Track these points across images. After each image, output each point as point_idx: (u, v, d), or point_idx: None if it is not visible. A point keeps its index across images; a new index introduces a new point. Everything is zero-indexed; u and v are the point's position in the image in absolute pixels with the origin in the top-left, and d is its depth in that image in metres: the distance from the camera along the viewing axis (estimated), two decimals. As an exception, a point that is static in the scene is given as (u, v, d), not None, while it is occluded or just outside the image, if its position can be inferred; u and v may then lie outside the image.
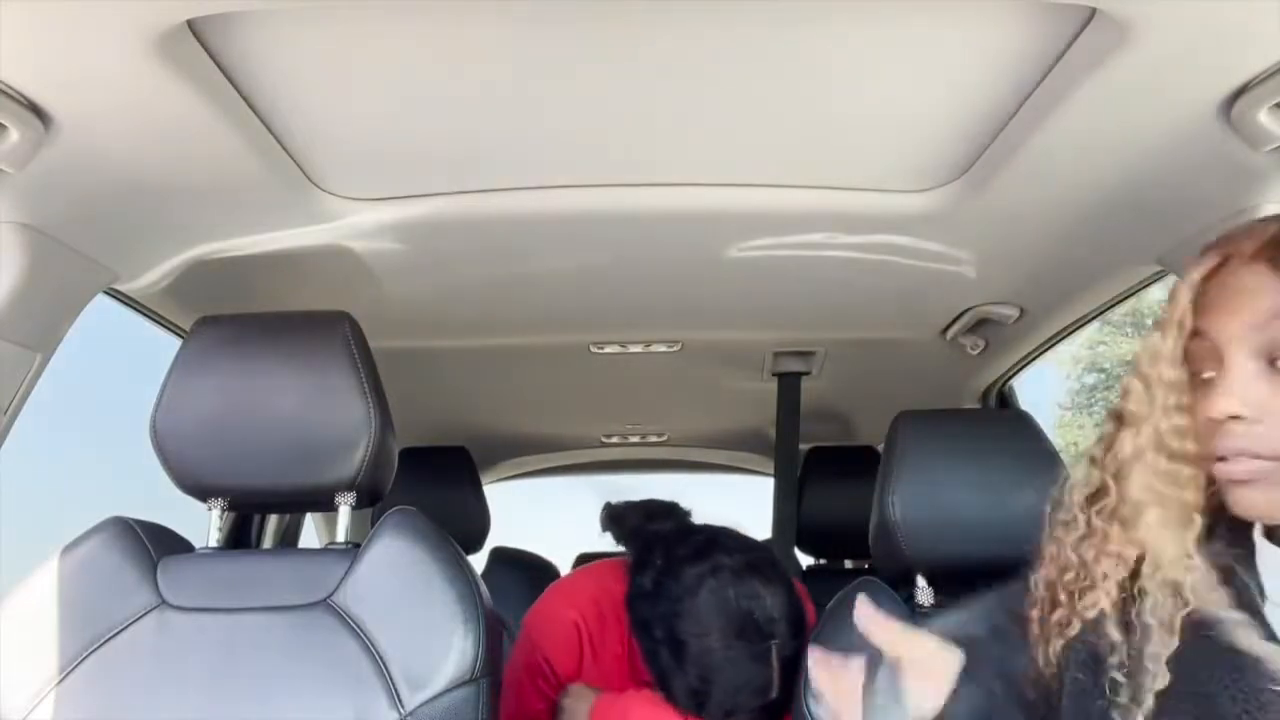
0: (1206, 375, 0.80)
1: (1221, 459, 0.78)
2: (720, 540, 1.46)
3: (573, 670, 1.54)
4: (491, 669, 1.19)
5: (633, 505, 1.64)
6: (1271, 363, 0.76)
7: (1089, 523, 0.87)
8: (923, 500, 1.34)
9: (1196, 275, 0.81)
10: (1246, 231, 0.81)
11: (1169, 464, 0.81)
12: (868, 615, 0.90)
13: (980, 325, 1.81)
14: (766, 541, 2.25)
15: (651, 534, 1.55)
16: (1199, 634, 0.79)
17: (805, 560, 2.47)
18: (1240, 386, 0.77)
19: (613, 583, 1.54)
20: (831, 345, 2.04)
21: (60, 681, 1.17)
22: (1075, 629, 0.87)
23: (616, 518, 1.63)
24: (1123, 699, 0.81)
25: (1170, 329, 0.81)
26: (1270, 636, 0.77)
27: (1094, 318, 1.74)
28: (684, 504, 1.69)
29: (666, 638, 1.40)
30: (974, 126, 1.12)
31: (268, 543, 2.18)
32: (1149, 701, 0.79)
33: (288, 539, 2.25)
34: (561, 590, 1.64)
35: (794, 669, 1.38)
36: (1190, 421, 0.80)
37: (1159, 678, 0.79)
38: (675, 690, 1.40)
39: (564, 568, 2.98)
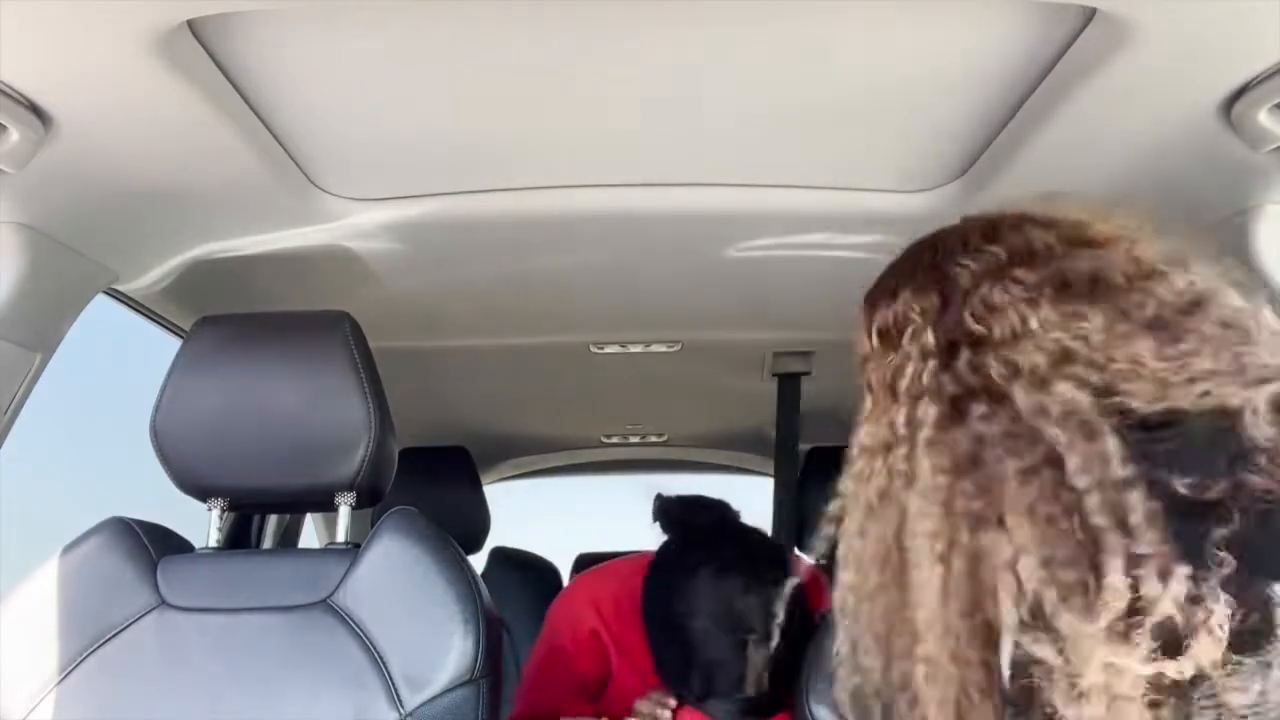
0: None
1: None
2: (730, 535, 1.55)
3: (600, 672, 1.61)
4: (491, 669, 1.19)
5: (681, 499, 1.70)
6: None
7: None
8: (922, 500, 1.34)
9: None
10: None
11: None
12: None
13: (980, 325, 1.81)
14: (765, 542, 2.25)
15: (689, 527, 1.60)
16: None
17: (805, 561, 2.47)
18: None
19: (636, 580, 1.59)
20: (831, 345, 2.03)
21: (60, 681, 1.18)
22: None
23: (666, 509, 1.68)
24: None
25: None
26: None
27: (1094, 318, 1.73)
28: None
29: (662, 615, 1.48)
30: (974, 126, 1.12)
31: (268, 543, 2.18)
32: None
33: (288, 539, 2.25)
34: (583, 593, 1.69)
35: (782, 672, 1.43)
36: None
37: None
38: (662, 666, 1.49)
39: (564, 568, 2.99)
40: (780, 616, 1.44)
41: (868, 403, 0.80)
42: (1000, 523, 0.66)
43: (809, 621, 1.50)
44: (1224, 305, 0.70)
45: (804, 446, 2.34)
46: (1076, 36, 0.91)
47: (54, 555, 1.26)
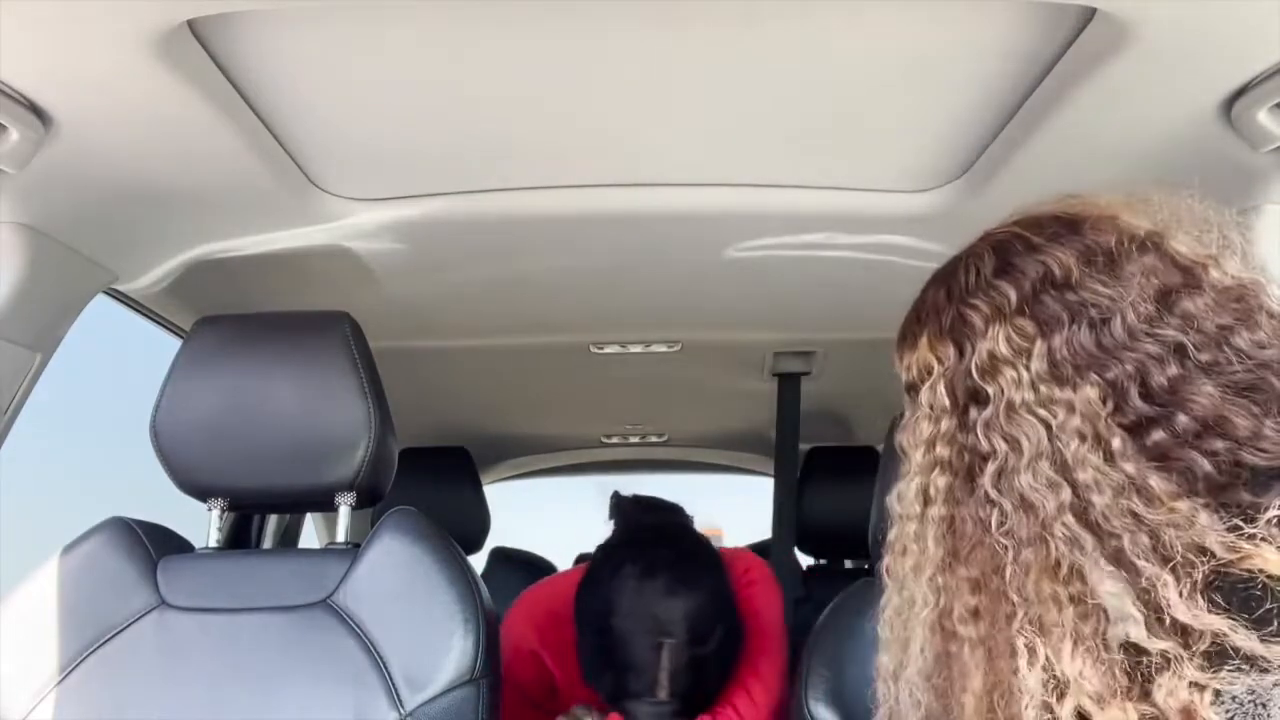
0: None
1: None
2: (666, 537, 1.53)
3: (544, 684, 1.63)
4: (491, 669, 1.19)
5: (636, 498, 1.70)
6: None
7: None
8: (922, 500, 1.34)
9: None
10: None
11: None
12: None
13: (980, 326, 1.81)
14: (766, 542, 2.25)
15: (634, 526, 1.60)
16: None
17: (805, 560, 2.47)
18: None
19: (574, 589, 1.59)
20: (831, 345, 2.03)
21: (61, 681, 1.18)
22: None
23: (620, 507, 1.69)
24: None
25: None
26: None
27: (1094, 318, 1.73)
28: (687, 506, 1.74)
29: (588, 614, 1.49)
30: (974, 126, 1.12)
31: (268, 543, 2.18)
32: None
33: (288, 539, 2.25)
34: (524, 613, 1.69)
35: (700, 677, 1.44)
36: None
37: None
38: (583, 664, 1.49)
39: (564, 568, 2.99)
40: (706, 619, 1.44)
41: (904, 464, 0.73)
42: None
43: (737, 626, 1.50)
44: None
45: (804, 446, 2.34)
46: (1076, 36, 0.91)
47: (54, 555, 1.26)
